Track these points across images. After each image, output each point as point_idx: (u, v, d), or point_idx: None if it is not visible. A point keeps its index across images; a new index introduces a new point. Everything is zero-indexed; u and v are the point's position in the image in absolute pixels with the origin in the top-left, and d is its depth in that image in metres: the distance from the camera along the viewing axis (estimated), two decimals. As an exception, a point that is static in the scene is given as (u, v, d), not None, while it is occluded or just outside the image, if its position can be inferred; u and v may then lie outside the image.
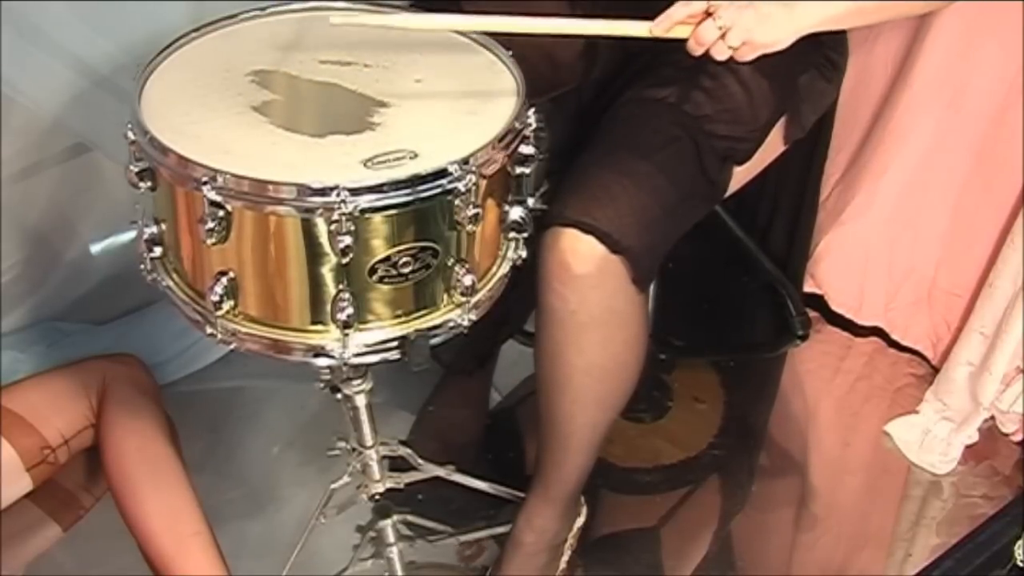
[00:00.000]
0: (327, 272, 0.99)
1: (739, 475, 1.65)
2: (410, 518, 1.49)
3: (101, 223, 1.63)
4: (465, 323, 1.07)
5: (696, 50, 1.12)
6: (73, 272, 1.64)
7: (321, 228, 0.95)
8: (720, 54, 1.12)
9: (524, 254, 1.14)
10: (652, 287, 1.59)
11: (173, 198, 1.02)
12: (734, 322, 1.99)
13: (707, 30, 1.10)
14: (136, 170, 1.03)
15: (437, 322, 1.06)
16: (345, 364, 1.04)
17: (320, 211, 0.94)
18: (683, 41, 1.12)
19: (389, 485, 1.41)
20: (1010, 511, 1.43)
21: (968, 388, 1.65)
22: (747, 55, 1.13)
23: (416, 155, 0.99)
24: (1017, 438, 1.68)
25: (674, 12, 1.10)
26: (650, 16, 1.12)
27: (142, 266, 1.09)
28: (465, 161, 0.97)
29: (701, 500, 1.61)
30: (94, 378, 1.38)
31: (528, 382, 1.71)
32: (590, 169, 1.18)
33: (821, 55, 1.33)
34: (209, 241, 0.96)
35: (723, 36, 1.10)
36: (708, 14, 1.09)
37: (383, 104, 1.07)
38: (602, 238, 1.12)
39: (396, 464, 1.44)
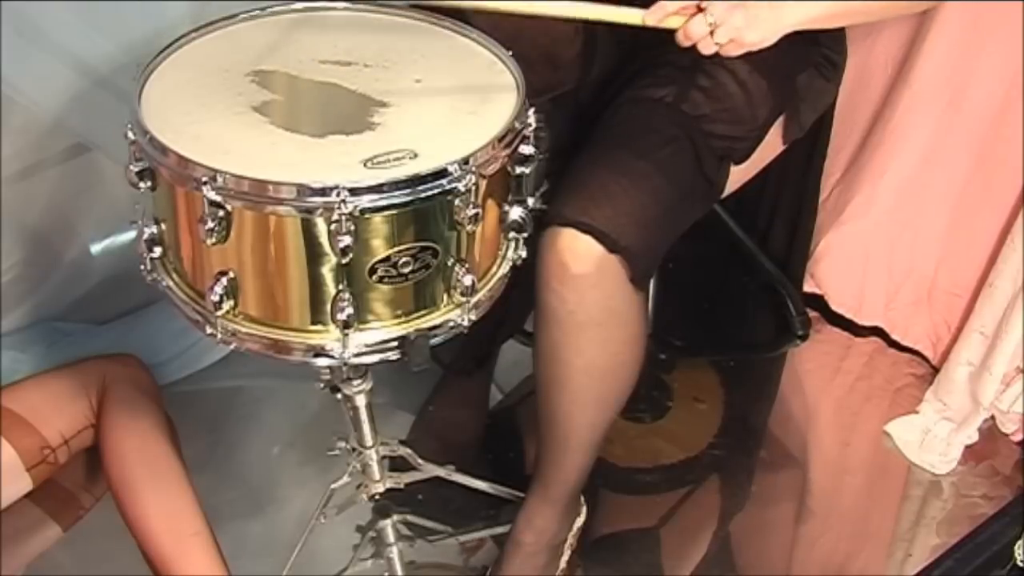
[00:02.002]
0: (327, 272, 0.99)
1: (739, 475, 1.65)
2: (410, 518, 1.49)
3: (101, 223, 1.63)
4: (465, 323, 1.07)
5: (683, 42, 1.13)
6: (73, 272, 1.64)
7: (321, 228, 0.95)
8: (707, 49, 1.13)
9: (524, 254, 1.14)
10: (652, 287, 1.60)
11: (173, 198, 1.02)
12: (734, 322, 1.99)
13: (697, 25, 1.11)
14: (136, 170, 1.02)
15: (437, 322, 1.06)
16: (345, 364, 1.04)
17: (320, 211, 0.94)
18: (672, 32, 1.13)
19: (389, 485, 1.41)
20: (1010, 511, 1.43)
21: (968, 388, 1.65)
22: (732, 52, 1.15)
23: (416, 155, 0.99)
24: (1017, 438, 1.68)
25: (668, 3, 1.12)
26: (646, 4, 1.12)
27: (142, 266, 1.09)
28: (465, 161, 0.97)
29: (701, 500, 1.61)
30: (94, 378, 1.38)
31: (528, 382, 1.71)
32: (588, 169, 1.18)
33: (820, 54, 1.33)
34: (209, 241, 0.96)
35: (711, 32, 1.11)
36: (700, 9, 1.11)
37: (383, 104, 1.07)
38: (600, 238, 1.12)
39: (396, 464, 1.44)
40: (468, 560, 1.48)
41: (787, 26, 1.16)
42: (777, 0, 1.15)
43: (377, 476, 1.38)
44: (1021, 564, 1.27)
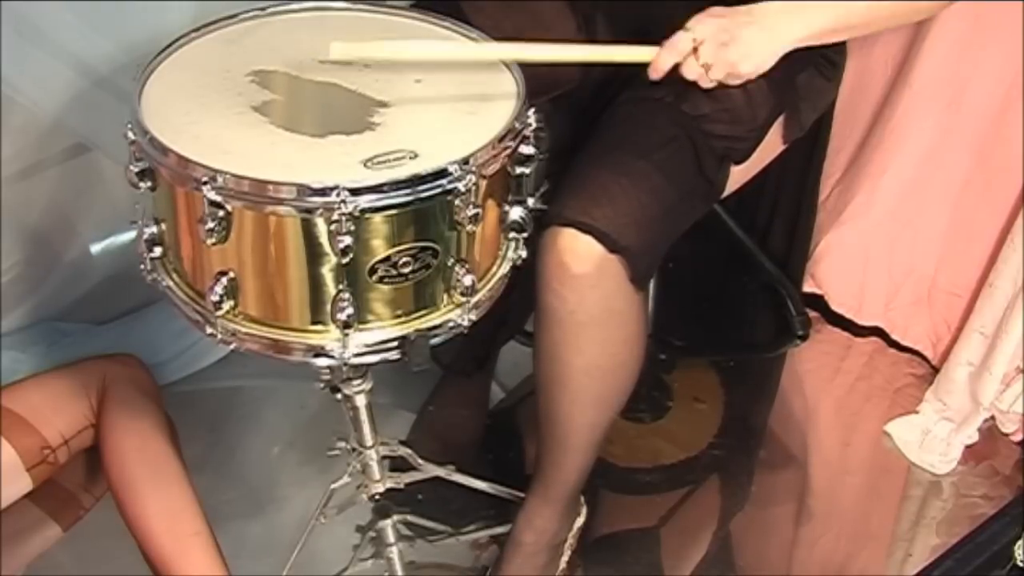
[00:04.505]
0: (327, 272, 0.99)
1: (739, 475, 1.65)
2: (410, 518, 1.49)
3: (101, 223, 1.63)
4: (465, 323, 1.07)
5: (684, 78, 1.17)
6: (73, 272, 1.64)
7: (321, 228, 0.95)
8: (705, 84, 1.17)
9: (524, 254, 1.14)
10: (652, 287, 1.60)
11: (173, 198, 1.02)
12: (734, 322, 1.99)
13: (690, 68, 1.16)
14: (136, 170, 1.03)
15: (437, 322, 1.06)
16: (345, 364, 1.04)
17: (320, 211, 0.94)
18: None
19: (389, 485, 1.41)
20: (1010, 511, 1.43)
21: (968, 388, 1.65)
22: (732, 82, 1.18)
23: (416, 155, 0.99)
24: (1017, 438, 1.68)
25: (662, 63, 1.15)
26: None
27: (142, 266, 1.09)
28: (465, 161, 0.97)
29: (701, 500, 1.61)
30: (94, 378, 1.38)
31: (528, 382, 1.71)
32: (588, 169, 1.18)
33: (819, 54, 1.33)
34: (209, 241, 0.96)
35: (706, 71, 1.15)
36: (695, 50, 1.14)
37: (383, 104, 1.07)
38: (600, 238, 1.12)
39: (396, 464, 1.44)
40: (468, 560, 1.48)
41: (781, 50, 1.18)
42: (772, 18, 1.16)
43: (377, 476, 1.38)
44: (1021, 564, 1.27)
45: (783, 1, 1.17)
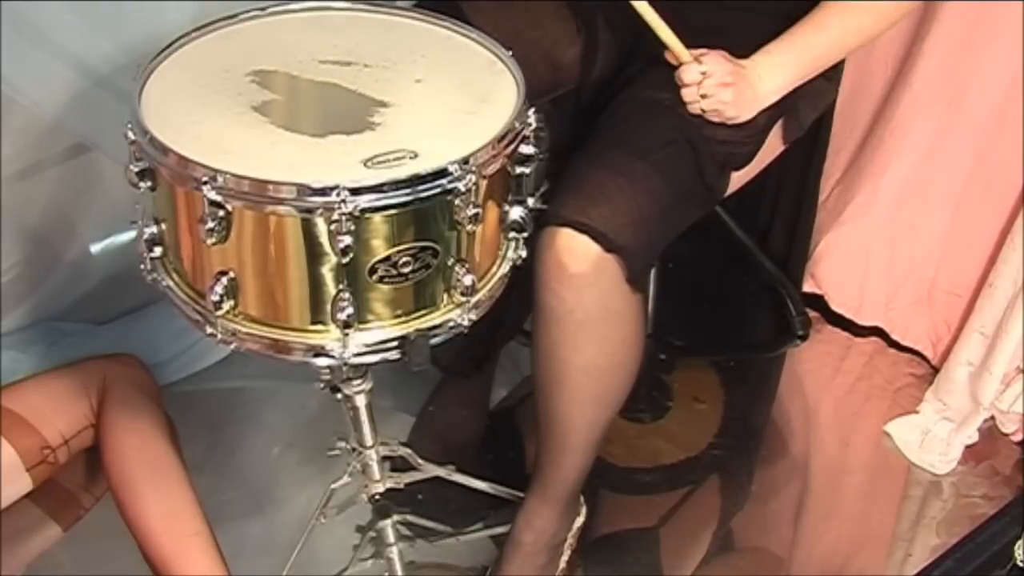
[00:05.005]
0: (327, 272, 0.99)
1: (739, 475, 1.65)
2: (410, 518, 1.49)
3: (101, 223, 1.63)
4: (465, 323, 1.07)
5: (678, 79, 1.21)
6: (73, 272, 1.64)
7: (321, 228, 0.96)
8: (692, 107, 1.21)
9: (524, 254, 1.14)
10: (652, 287, 1.60)
11: (173, 198, 1.02)
12: (734, 322, 1.99)
13: (689, 73, 1.19)
14: (136, 170, 1.03)
15: (437, 322, 1.06)
16: (345, 364, 1.04)
17: (320, 211, 0.94)
18: None
19: (389, 485, 1.41)
20: (1010, 511, 1.43)
21: (968, 388, 1.65)
22: (712, 119, 1.22)
23: (416, 155, 0.99)
24: (1017, 438, 1.68)
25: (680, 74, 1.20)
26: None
27: (142, 266, 1.09)
28: (465, 161, 0.98)
29: (701, 500, 1.61)
30: (94, 378, 1.38)
31: (528, 382, 1.71)
32: (586, 168, 1.18)
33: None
34: (209, 241, 0.96)
35: (702, 96, 1.20)
36: (702, 73, 1.19)
37: (383, 104, 1.07)
38: (597, 237, 1.12)
39: (396, 464, 1.44)
40: (468, 560, 1.48)
41: (763, 105, 1.24)
42: (757, 82, 1.22)
43: (377, 476, 1.38)
44: (1021, 564, 1.27)
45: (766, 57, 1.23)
